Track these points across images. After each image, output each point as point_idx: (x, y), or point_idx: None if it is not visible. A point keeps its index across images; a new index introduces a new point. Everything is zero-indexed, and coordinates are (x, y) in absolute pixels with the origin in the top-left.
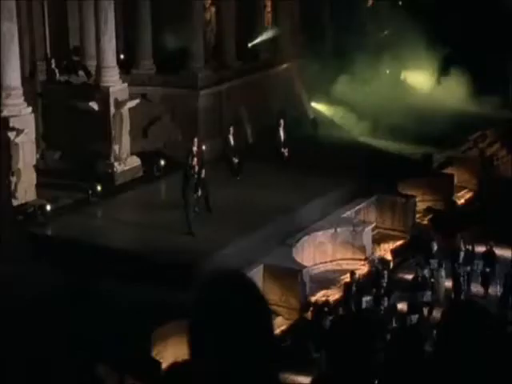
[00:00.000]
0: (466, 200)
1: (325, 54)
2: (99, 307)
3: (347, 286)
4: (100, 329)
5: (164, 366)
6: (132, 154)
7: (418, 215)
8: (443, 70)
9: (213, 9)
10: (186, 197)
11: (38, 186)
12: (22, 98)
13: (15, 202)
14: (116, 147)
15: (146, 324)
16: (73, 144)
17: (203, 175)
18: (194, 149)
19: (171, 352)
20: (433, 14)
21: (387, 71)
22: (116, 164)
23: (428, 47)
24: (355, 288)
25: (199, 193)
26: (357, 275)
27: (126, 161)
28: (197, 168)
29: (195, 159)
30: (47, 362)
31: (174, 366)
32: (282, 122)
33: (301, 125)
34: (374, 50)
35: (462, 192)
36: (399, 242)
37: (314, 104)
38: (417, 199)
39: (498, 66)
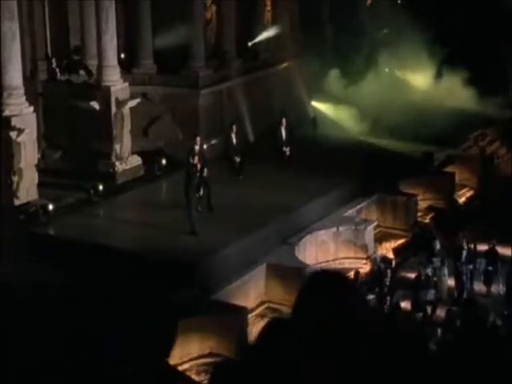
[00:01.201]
0: (466, 198)
1: (324, 53)
2: (101, 307)
3: None
4: (102, 328)
5: (171, 364)
6: (132, 153)
7: (419, 214)
8: (442, 69)
9: (213, 8)
10: (188, 196)
11: (38, 185)
12: (24, 98)
13: (17, 202)
14: (117, 146)
15: (149, 323)
16: (73, 143)
17: (205, 174)
18: (196, 148)
19: (177, 351)
20: (432, 12)
21: (386, 70)
22: (117, 163)
23: (427, 46)
24: (359, 287)
25: (201, 192)
26: (360, 274)
27: (127, 160)
28: (199, 167)
29: (197, 158)
30: (48, 363)
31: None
32: (284, 121)
33: (301, 124)
34: (373, 49)
35: (463, 190)
36: (401, 241)
37: (313, 103)
38: (418, 198)
39: (497, 64)
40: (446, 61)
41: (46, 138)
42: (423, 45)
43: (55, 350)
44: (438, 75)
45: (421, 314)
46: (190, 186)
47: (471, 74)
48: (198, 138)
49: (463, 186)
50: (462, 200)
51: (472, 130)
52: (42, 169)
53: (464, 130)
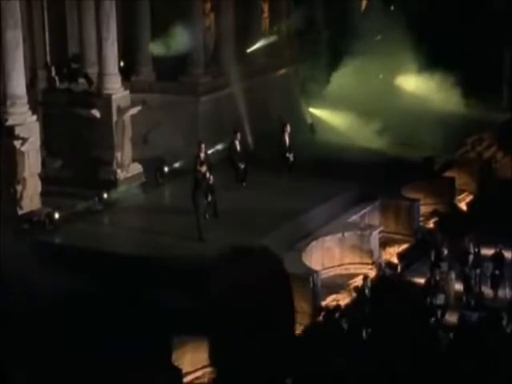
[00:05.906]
0: (466, 203)
1: (320, 59)
2: (107, 314)
3: (359, 290)
4: (107, 335)
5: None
6: (133, 160)
7: (421, 218)
8: (437, 74)
9: (212, 15)
10: (196, 203)
11: (40, 194)
12: (27, 107)
13: (20, 211)
14: (118, 154)
15: (159, 330)
16: (74, 152)
17: (211, 181)
18: (202, 155)
19: (189, 358)
20: (425, 17)
21: (380, 76)
22: (118, 171)
23: (421, 52)
24: (368, 292)
25: (209, 198)
26: (369, 279)
27: (128, 168)
28: (207, 174)
29: (203, 165)
30: (51, 365)
31: None
32: (288, 127)
33: (299, 130)
34: (367, 55)
35: (463, 195)
36: (404, 246)
37: (311, 109)
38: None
39: (492, 69)
40: (441, 66)
41: (46, 146)
42: (417, 51)
43: (59, 355)
44: (438, 78)
45: (433, 319)
46: (198, 192)
47: (465, 77)
48: (203, 145)
49: (462, 191)
50: (462, 204)
51: (468, 135)
52: (42, 177)
53: (460, 135)
